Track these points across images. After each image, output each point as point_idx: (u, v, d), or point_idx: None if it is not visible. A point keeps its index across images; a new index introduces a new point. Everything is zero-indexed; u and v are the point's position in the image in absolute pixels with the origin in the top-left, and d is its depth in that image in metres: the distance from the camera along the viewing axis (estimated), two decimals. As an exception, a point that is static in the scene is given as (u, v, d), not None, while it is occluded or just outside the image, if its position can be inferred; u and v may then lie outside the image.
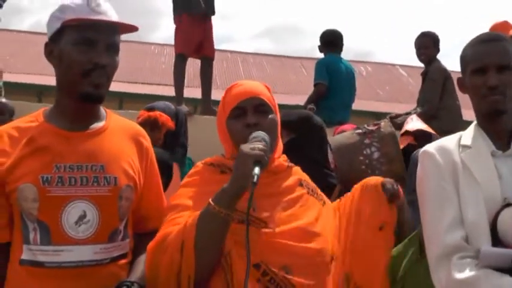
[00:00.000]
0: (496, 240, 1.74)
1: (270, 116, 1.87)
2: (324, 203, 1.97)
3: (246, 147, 1.67)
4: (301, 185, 1.93)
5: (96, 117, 1.85)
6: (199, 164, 1.96)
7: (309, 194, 1.92)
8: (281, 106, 4.36)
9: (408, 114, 5.30)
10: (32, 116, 1.84)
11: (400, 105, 6.52)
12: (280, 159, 1.95)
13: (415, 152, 3.43)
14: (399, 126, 4.65)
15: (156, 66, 17.20)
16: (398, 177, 2.86)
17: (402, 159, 2.93)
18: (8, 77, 5.22)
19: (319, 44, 5.70)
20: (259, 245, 1.71)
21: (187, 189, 1.87)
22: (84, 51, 1.73)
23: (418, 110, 5.15)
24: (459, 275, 1.71)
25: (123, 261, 1.82)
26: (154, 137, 3.13)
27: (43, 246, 1.70)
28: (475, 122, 1.96)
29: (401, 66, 20.69)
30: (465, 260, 1.74)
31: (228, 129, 1.87)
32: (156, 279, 1.71)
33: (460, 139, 1.93)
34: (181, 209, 1.79)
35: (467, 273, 1.70)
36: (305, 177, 1.99)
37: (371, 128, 2.96)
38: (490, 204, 1.76)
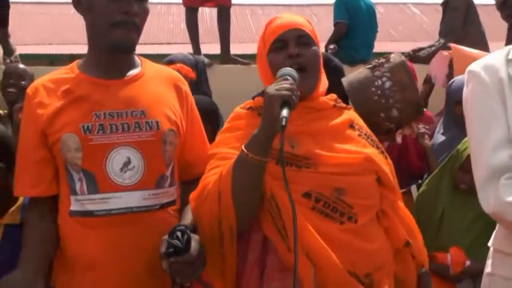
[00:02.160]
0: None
1: (312, 49, 1.77)
2: (386, 157, 1.85)
3: (271, 88, 1.58)
4: (352, 127, 1.83)
5: (131, 65, 1.82)
6: (237, 109, 1.89)
7: (361, 137, 1.81)
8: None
9: (431, 46, 5.18)
10: (67, 68, 1.81)
11: (415, 44, 6.39)
12: (326, 97, 1.85)
13: (449, 83, 3.35)
14: (423, 60, 4.54)
15: (164, 26, 17.05)
16: (414, 104, 2.82)
17: (416, 86, 2.90)
18: (18, 50, 5.18)
19: None
20: (304, 178, 1.66)
21: (226, 135, 1.81)
22: (114, 0, 1.68)
23: (442, 41, 5.02)
24: (508, 197, 1.64)
25: (172, 207, 1.81)
26: None
27: (90, 195, 1.69)
28: None
29: (414, 4, 20.28)
30: None
31: (269, 63, 1.78)
32: (201, 228, 1.67)
33: (508, 54, 1.82)
34: (220, 157, 1.73)
35: None
36: (360, 121, 1.89)
37: (381, 60, 2.92)
38: None
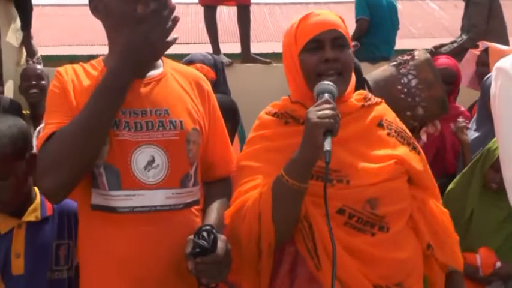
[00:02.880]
0: None
1: (346, 51, 1.73)
2: (419, 152, 1.81)
3: (313, 115, 1.54)
4: (380, 125, 1.78)
5: (154, 65, 1.78)
6: (262, 115, 1.86)
7: (390, 136, 1.77)
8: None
9: (453, 42, 5.10)
10: (95, 62, 1.80)
11: (434, 41, 6.34)
12: (353, 97, 1.81)
13: (484, 79, 3.29)
14: (445, 56, 4.46)
15: (182, 26, 17.09)
16: (439, 102, 2.77)
17: (442, 83, 2.85)
18: (39, 51, 5.23)
19: None
20: (337, 194, 1.63)
21: (254, 147, 1.79)
22: (128, 2, 1.65)
23: (464, 37, 4.94)
24: None
25: (196, 207, 1.79)
26: None
27: (112, 191, 1.67)
28: None
29: (432, 0, 20.08)
30: None
31: (301, 63, 1.74)
32: (237, 243, 1.68)
33: None
34: (251, 172, 1.73)
35: None
36: (390, 116, 1.84)
37: (406, 58, 2.88)
38: None
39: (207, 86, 1.89)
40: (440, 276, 1.84)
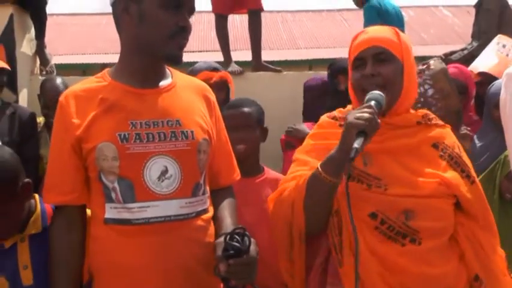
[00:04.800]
0: None
1: (389, 65, 1.77)
2: (472, 182, 1.80)
3: (351, 116, 1.63)
4: (435, 146, 1.80)
5: (163, 75, 1.84)
6: (322, 117, 1.95)
7: (442, 159, 1.78)
8: (327, 60, 4.27)
9: (464, 49, 5.08)
10: (98, 77, 1.83)
11: (447, 47, 6.33)
12: (413, 112, 1.85)
13: (489, 87, 3.29)
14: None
15: (195, 34, 17.14)
16: (454, 112, 2.77)
17: (457, 94, 2.85)
18: (53, 60, 5.28)
19: None
20: (372, 198, 1.69)
21: (310, 142, 1.89)
22: (172, 14, 1.71)
23: (474, 44, 4.91)
24: None
25: (207, 215, 1.82)
26: (220, 97, 3.02)
27: (127, 204, 1.69)
28: None
29: (445, 6, 20.06)
30: None
31: (351, 80, 1.83)
32: (276, 228, 1.82)
33: None
34: (299, 164, 1.83)
35: None
36: (449, 141, 1.84)
37: (421, 67, 2.89)
38: None
39: (213, 97, 1.93)
40: None
